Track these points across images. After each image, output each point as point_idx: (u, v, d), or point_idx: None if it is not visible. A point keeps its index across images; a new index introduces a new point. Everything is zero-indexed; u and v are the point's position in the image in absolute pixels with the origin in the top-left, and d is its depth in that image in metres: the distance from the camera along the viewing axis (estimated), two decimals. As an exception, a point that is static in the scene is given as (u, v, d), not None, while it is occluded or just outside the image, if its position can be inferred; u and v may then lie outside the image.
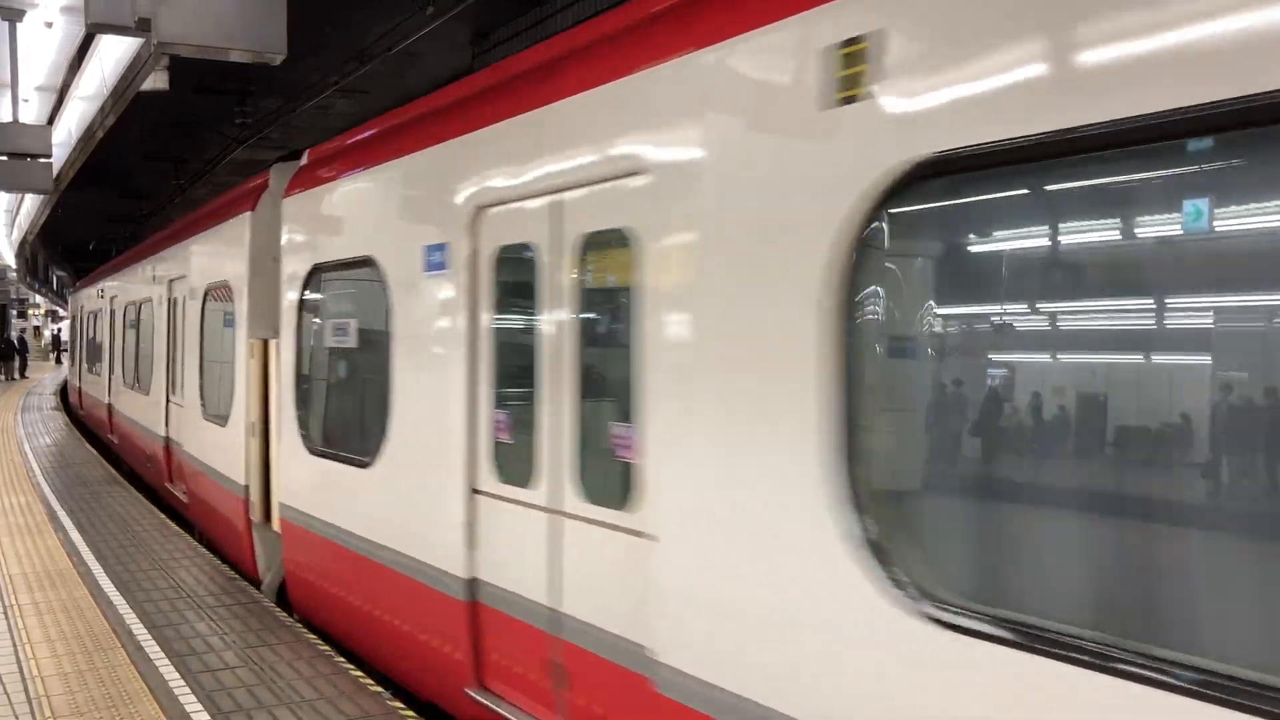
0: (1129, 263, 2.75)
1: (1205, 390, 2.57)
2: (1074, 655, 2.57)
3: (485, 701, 5.26)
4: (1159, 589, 2.63)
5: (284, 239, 8.00)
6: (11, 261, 39.62)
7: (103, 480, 14.57)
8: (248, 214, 8.99)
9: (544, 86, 4.97)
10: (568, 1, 7.51)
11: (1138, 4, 2.48)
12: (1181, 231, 2.54)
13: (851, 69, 3.20)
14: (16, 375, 41.38)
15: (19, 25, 11.62)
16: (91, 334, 21.96)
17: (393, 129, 6.67)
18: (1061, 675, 2.59)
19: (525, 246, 5.05)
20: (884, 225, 3.19)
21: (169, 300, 12.60)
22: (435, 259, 5.73)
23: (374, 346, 6.60)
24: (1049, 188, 2.90)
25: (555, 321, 4.81)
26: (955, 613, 2.88)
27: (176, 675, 6.24)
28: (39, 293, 58.79)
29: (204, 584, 8.57)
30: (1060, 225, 2.91)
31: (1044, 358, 2.96)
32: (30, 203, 24.63)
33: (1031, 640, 2.68)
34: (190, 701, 5.81)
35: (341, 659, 6.64)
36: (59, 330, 68.44)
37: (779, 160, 3.49)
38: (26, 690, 5.95)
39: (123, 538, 10.43)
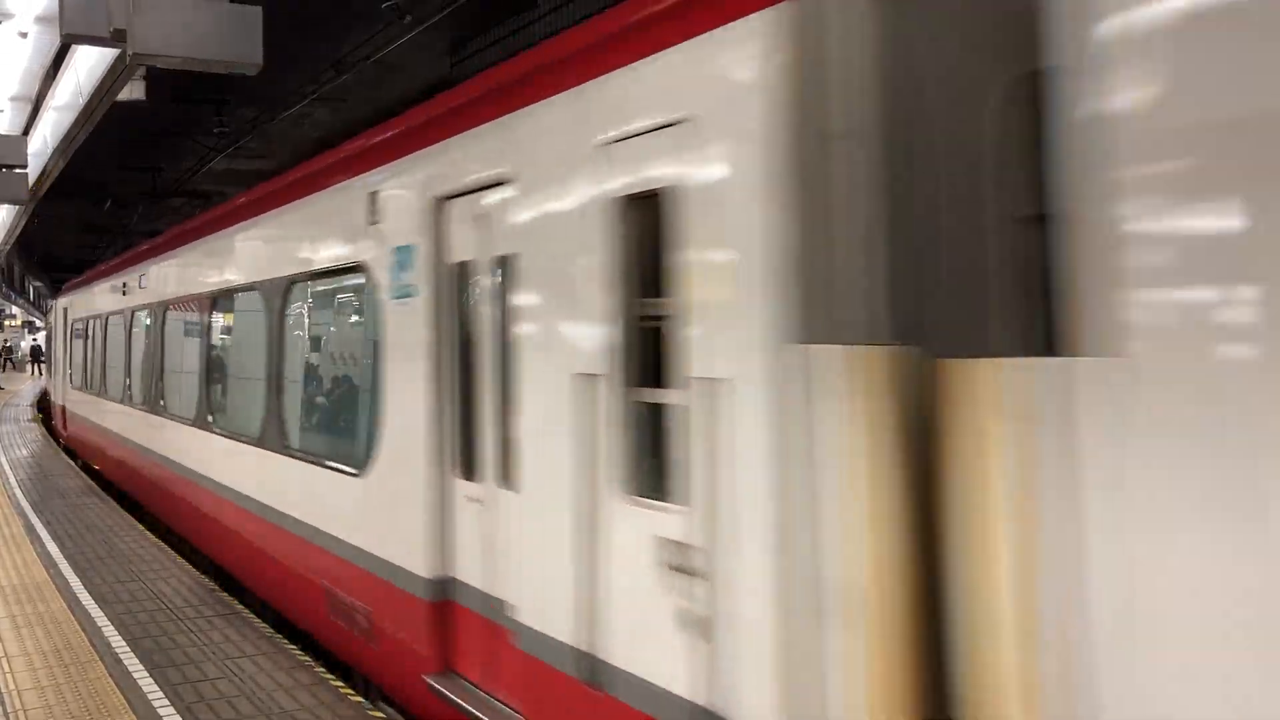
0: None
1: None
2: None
3: None
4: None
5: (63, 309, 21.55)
6: (-13, 271, 39.30)
7: (80, 491, 14.48)
8: (61, 298, 22.28)
9: None
10: (546, 10, 7.54)
11: None
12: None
13: None
14: None
15: (-7, 35, 11.57)
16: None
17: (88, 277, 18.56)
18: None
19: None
20: None
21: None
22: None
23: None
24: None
25: None
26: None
27: (155, 688, 6.22)
28: (15, 303, 58.30)
29: (183, 595, 8.53)
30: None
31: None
32: (6, 213, 24.46)
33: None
34: (169, 714, 5.79)
35: (322, 669, 6.63)
36: (36, 340, 67.94)
37: None
38: (3, 705, 5.92)
39: (100, 549, 10.37)
